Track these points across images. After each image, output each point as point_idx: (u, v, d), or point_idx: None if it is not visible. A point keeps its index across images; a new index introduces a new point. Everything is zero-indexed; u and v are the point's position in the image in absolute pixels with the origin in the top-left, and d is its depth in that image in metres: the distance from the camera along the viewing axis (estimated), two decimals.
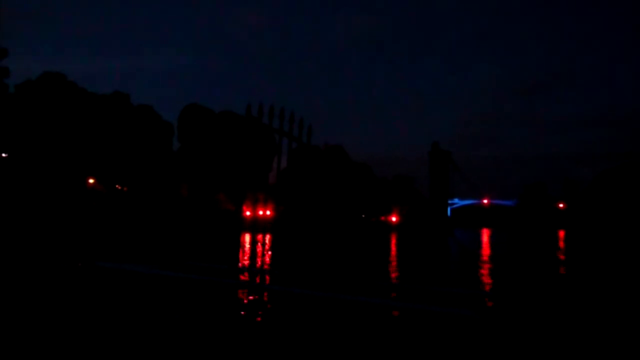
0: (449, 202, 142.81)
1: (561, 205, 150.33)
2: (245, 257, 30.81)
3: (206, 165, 79.46)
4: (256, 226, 75.78)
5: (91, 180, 72.05)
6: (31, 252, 28.32)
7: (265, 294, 16.25)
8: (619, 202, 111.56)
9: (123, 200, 71.44)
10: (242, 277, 20.72)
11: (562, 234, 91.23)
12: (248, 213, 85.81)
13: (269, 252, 34.97)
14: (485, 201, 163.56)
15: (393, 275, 23.79)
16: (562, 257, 39.16)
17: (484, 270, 26.51)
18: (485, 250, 44.12)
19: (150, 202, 72.59)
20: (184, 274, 19.08)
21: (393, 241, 57.00)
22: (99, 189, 72.50)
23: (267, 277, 20.78)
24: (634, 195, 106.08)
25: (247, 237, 54.12)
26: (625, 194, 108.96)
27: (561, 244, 58.38)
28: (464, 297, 16.27)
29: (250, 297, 15.66)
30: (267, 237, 56.99)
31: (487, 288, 19.48)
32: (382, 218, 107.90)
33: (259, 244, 44.21)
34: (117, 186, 75.64)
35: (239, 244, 43.09)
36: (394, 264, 30.19)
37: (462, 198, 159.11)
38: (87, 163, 68.96)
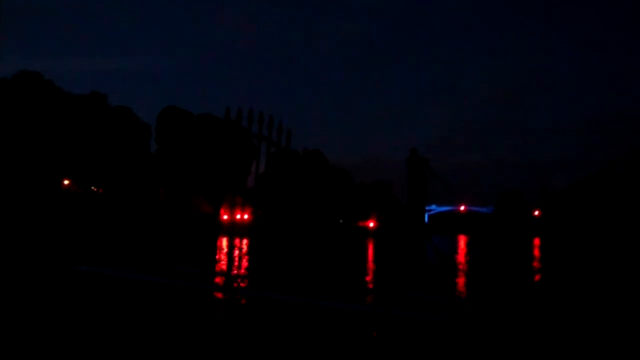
0: (427, 208, 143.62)
1: (536, 213, 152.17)
2: (222, 262, 30.56)
3: (184, 168, 78.92)
4: (234, 230, 75.29)
5: (66, 182, 71.05)
6: (3, 256, 27.77)
7: (242, 299, 16.12)
8: (594, 209, 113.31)
9: (99, 202, 70.54)
10: (218, 282, 20.55)
11: (537, 241, 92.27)
12: (226, 217, 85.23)
13: (246, 257, 34.77)
14: (462, 208, 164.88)
15: (369, 280, 23.80)
16: (536, 264, 39.58)
17: (460, 277, 26.66)
18: (462, 257, 44.41)
19: (126, 204, 71.78)
20: (159, 278, 18.86)
21: (370, 246, 57.08)
22: (74, 190, 71.52)
23: (244, 282, 20.65)
24: (609, 203, 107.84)
25: (225, 241, 53.75)
26: (600, 201, 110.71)
27: (536, 251, 59.02)
28: (440, 303, 16.33)
29: (226, 302, 15.52)
30: (245, 241, 56.68)
31: (463, 294, 19.58)
32: (360, 223, 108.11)
33: (237, 248, 43.93)
34: (93, 188, 74.69)
35: (216, 248, 42.76)
36: (370, 269, 30.21)
37: (439, 204, 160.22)
38: (63, 164, 68.00)
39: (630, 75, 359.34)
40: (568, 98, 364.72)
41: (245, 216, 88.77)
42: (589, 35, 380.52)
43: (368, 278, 24.71)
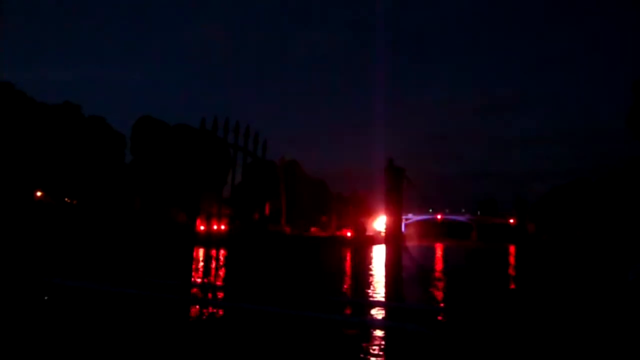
0: (404, 217, 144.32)
1: (512, 221, 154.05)
2: (198, 273, 30.32)
3: (159, 178, 78.20)
4: (210, 240, 74.72)
5: (39, 193, 69.89)
6: None
7: (218, 310, 16.00)
8: (568, 218, 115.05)
9: (72, 214, 69.44)
10: (194, 293, 20.36)
11: (512, 249, 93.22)
12: (202, 227, 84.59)
13: (223, 268, 34.52)
14: (439, 217, 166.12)
15: (346, 290, 23.83)
16: (511, 272, 40.03)
17: (437, 285, 26.82)
18: (438, 265, 44.72)
19: (101, 215, 70.81)
20: (134, 290, 18.61)
21: (348, 255, 57.12)
22: (47, 201, 70.34)
23: (220, 293, 20.49)
24: (582, 212, 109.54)
25: (201, 252, 53.30)
26: (574, 210, 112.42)
27: (511, 259, 59.70)
28: (415, 311, 16.40)
29: (202, 313, 15.38)
30: (222, 252, 56.28)
31: (439, 303, 19.70)
32: (338, 233, 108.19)
33: (213, 259, 43.60)
34: (66, 199, 73.54)
35: (192, 259, 42.40)
36: (348, 278, 30.25)
37: (416, 213, 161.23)
38: (36, 175, 66.89)
39: (602, 88, 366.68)
40: (542, 109, 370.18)
41: (222, 227, 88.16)
42: (563, 49, 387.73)
43: (346, 288, 24.74)
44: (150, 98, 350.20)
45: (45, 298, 17.25)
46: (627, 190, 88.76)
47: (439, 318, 15.73)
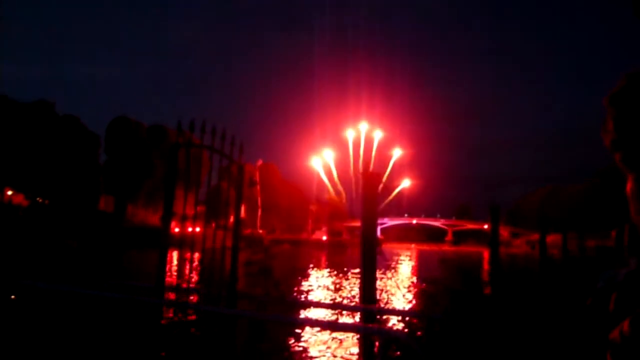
0: (379, 221, 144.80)
1: (486, 227, 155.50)
2: (173, 275, 30.03)
3: (134, 179, 77.42)
4: (185, 243, 73.65)
5: (9, 192, 68.63)
6: None
7: (192, 313, 15.85)
8: (540, 224, 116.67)
9: (44, 214, 68.32)
10: (168, 296, 20.14)
11: (486, 254, 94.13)
12: (177, 229, 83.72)
13: (197, 270, 34.26)
14: (414, 221, 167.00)
15: (323, 293, 23.84)
16: (485, 277, 40.41)
17: (409, 289, 26.99)
18: (413, 270, 45.02)
19: (73, 215, 69.78)
20: (107, 292, 18.34)
21: (324, 258, 57.19)
22: (18, 201, 69.12)
23: (194, 296, 20.30)
24: (554, 218, 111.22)
25: (175, 255, 52.81)
26: (546, 216, 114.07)
27: (485, 264, 60.29)
28: (392, 315, 16.45)
29: (176, 317, 15.22)
30: (196, 254, 55.80)
31: (412, 308, 19.82)
32: (313, 237, 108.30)
33: (187, 261, 43.24)
34: (38, 199, 72.36)
35: (166, 262, 41.95)
36: (323, 282, 30.26)
37: (392, 218, 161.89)
38: (7, 173, 65.68)
39: (577, 96, 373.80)
40: (517, 116, 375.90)
41: (197, 229, 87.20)
42: (540, 55, 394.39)
43: (324, 291, 24.76)
44: (127, 98, 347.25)
45: (12, 297, 16.90)
46: (599, 199, 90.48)
47: (414, 322, 15.80)
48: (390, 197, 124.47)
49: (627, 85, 1.52)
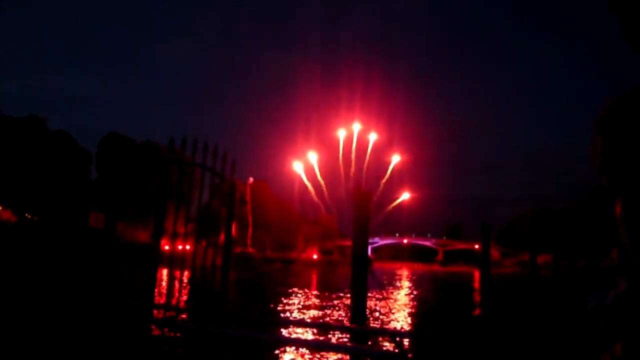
0: (370, 241, 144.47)
1: (477, 247, 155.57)
2: (162, 294, 29.81)
3: (124, 195, 77.09)
4: (175, 261, 73.30)
5: None
6: None
7: (180, 332, 15.71)
8: (531, 244, 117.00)
9: (32, 230, 67.76)
10: (156, 315, 19.97)
11: (477, 274, 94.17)
12: (167, 247, 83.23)
13: (187, 289, 34.02)
14: (405, 241, 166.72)
15: (313, 313, 23.69)
16: (476, 298, 40.40)
17: (400, 309, 26.89)
18: (403, 289, 44.90)
19: (62, 232, 69.23)
20: (94, 310, 18.16)
21: (314, 277, 56.97)
22: (6, 217, 68.56)
23: (183, 315, 20.13)
24: (544, 240, 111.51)
25: (165, 273, 52.50)
26: (535, 238, 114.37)
27: (476, 284, 60.27)
28: (382, 335, 16.36)
29: (164, 336, 15.08)
30: (186, 273, 55.48)
31: (404, 327, 19.73)
32: (304, 255, 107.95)
33: (177, 279, 42.94)
34: (27, 215, 71.79)
35: (155, 280, 41.65)
36: (314, 301, 30.11)
37: (383, 237, 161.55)
38: None
39: (564, 116, 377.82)
40: (505, 136, 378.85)
41: (187, 247, 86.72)
42: (534, 75, 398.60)
43: (314, 311, 24.61)
44: (118, 115, 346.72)
45: None
46: (588, 220, 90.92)
47: (405, 343, 15.71)
48: (390, 207, 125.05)
49: (612, 109, 1.54)
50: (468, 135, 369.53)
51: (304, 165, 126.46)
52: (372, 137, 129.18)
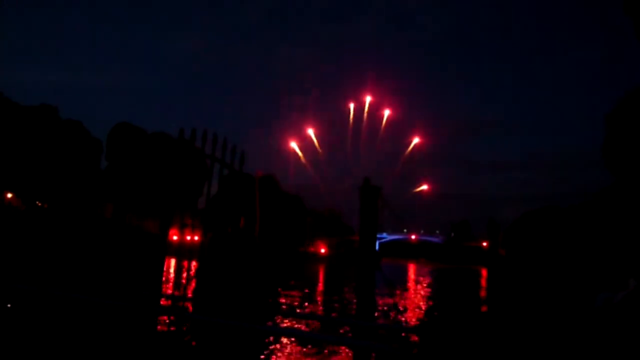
0: (378, 236, 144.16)
1: (484, 244, 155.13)
2: (169, 284, 29.96)
3: (134, 185, 77.32)
4: (182, 251, 73.72)
5: (9, 195, 68.59)
6: None
7: (186, 322, 15.78)
8: (539, 242, 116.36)
9: (43, 218, 68.16)
10: (163, 304, 20.07)
11: (484, 272, 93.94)
12: (175, 237, 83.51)
13: (194, 279, 34.14)
14: (413, 237, 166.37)
15: (320, 307, 23.71)
16: (483, 294, 40.28)
17: (409, 305, 26.86)
18: (411, 285, 44.83)
19: (72, 221, 69.61)
20: (101, 298, 18.27)
21: (321, 272, 57.00)
22: (17, 204, 69.03)
23: (189, 305, 20.23)
24: (553, 237, 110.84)
25: (173, 263, 52.71)
26: (545, 235, 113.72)
27: (483, 282, 60.12)
28: (388, 331, 16.36)
29: (171, 325, 15.16)
30: (193, 263, 55.71)
31: (412, 323, 19.72)
32: (312, 249, 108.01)
33: (184, 270, 43.16)
34: (37, 203, 72.21)
35: (163, 270, 41.89)
36: (320, 296, 30.14)
37: (390, 233, 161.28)
38: (6, 176, 65.68)
39: (571, 115, 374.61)
40: (513, 134, 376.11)
41: (196, 238, 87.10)
42: (538, 76, 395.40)
43: (319, 306, 24.62)
44: (130, 106, 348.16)
45: (8, 306, 16.85)
46: (598, 220, 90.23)
47: (412, 338, 15.72)
48: (411, 193, 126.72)
49: (623, 105, 1.53)
50: (477, 133, 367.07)
51: (313, 159, 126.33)
52: (385, 116, 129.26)
